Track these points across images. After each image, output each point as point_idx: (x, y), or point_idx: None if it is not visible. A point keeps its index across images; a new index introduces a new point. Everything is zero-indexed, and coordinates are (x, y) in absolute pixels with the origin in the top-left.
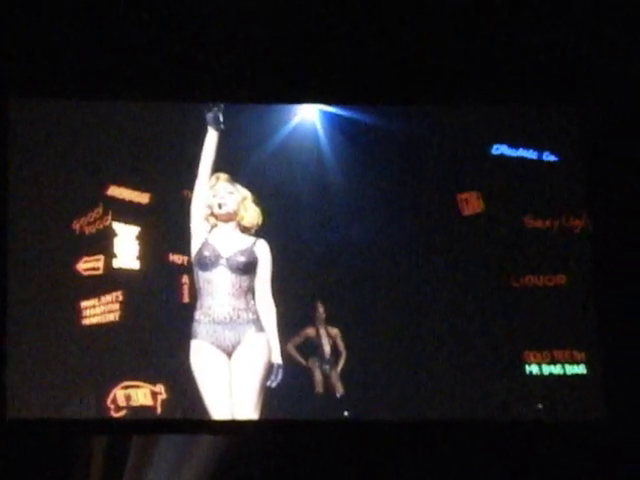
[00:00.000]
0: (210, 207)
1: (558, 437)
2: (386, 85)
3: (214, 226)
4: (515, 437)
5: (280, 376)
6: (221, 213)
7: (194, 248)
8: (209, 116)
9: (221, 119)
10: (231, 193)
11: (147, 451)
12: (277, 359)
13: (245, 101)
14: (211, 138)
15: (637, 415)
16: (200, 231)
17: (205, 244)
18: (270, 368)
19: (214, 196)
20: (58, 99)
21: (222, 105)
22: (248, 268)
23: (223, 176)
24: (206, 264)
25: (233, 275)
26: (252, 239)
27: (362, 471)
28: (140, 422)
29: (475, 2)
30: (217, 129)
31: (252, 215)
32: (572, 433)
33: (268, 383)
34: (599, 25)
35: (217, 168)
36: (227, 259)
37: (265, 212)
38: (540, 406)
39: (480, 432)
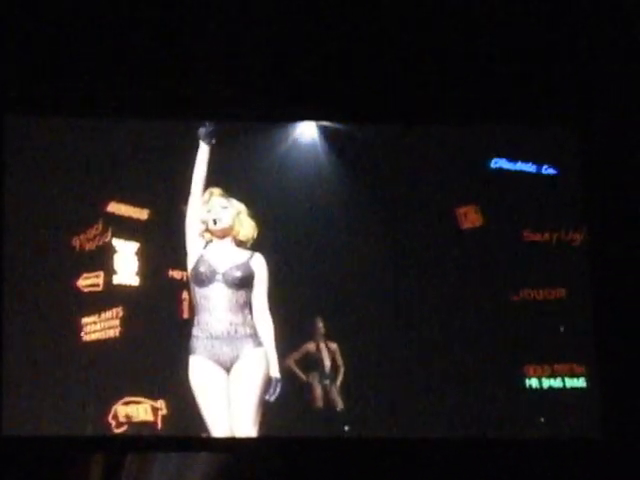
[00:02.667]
0: (205, 223)
1: (557, 453)
2: (386, 103)
3: (209, 242)
4: (515, 453)
5: (278, 390)
6: (216, 229)
7: (190, 264)
8: (201, 131)
9: (213, 133)
10: (225, 208)
11: (143, 468)
12: (275, 373)
13: (243, 119)
14: (203, 153)
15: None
16: (195, 247)
17: (200, 260)
18: (269, 382)
19: (208, 211)
20: (55, 116)
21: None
22: (244, 283)
23: (217, 191)
24: (202, 280)
25: (230, 290)
26: (248, 253)
27: None
28: (137, 439)
29: (475, 24)
30: (209, 143)
31: (247, 229)
32: (570, 450)
33: (267, 397)
34: (596, 47)
35: (212, 183)
36: (223, 274)
37: (261, 226)
38: (542, 420)
39: (479, 449)
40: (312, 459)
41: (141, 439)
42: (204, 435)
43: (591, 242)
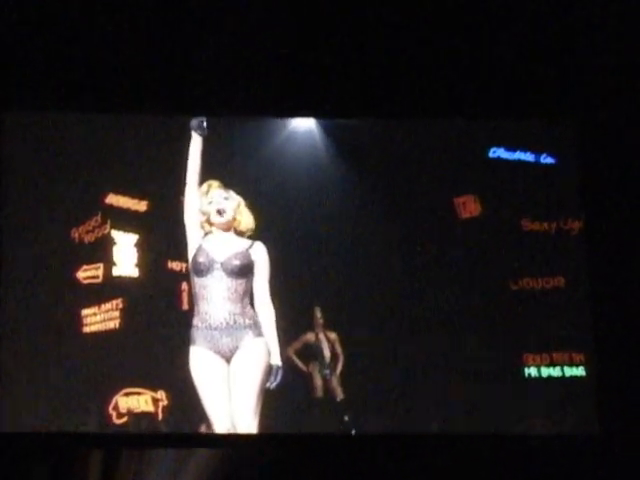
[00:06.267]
0: (206, 214)
1: (555, 448)
2: (383, 96)
3: (209, 232)
4: (513, 446)
5: (279, 377)
6: (221, 221)
7: (190, 255)
8: (193, 122)
9: (205, 125)
10: (226, 199)
11: (142, 464)
12: (276, 361)
13: (238, 114)
14: (196, 144)
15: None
16: (195, 238)
17: (200, 250)
18: (269, 371)
19: (210, 203)
20: (53, 111)
21: None
22: (243, 271)
23: (215, 183)
24: (201, 270)
25: (229, 279)
26: (247, 242)
27: None
28: (136, 436)
29: (476, 18)
30: (201, 134)
31: (247, 220)
32: (569, 443)
33: (267, 385)
34: (595, 41)
35: (210, 175)
36: (222, 263)
37: (260, 217)
38: (541, 409)
39: (479, 443)
40: (313, 455)
41: (140, 436)
42: (204, 428)
43: (589, 231)
